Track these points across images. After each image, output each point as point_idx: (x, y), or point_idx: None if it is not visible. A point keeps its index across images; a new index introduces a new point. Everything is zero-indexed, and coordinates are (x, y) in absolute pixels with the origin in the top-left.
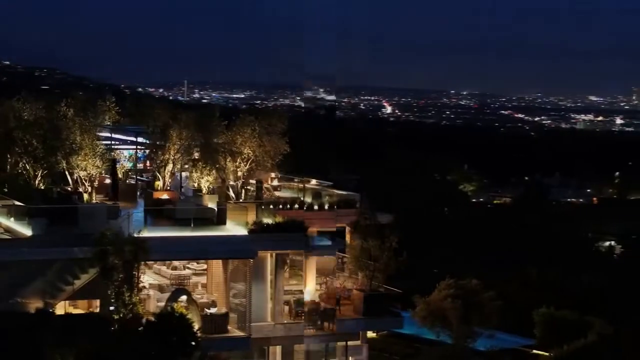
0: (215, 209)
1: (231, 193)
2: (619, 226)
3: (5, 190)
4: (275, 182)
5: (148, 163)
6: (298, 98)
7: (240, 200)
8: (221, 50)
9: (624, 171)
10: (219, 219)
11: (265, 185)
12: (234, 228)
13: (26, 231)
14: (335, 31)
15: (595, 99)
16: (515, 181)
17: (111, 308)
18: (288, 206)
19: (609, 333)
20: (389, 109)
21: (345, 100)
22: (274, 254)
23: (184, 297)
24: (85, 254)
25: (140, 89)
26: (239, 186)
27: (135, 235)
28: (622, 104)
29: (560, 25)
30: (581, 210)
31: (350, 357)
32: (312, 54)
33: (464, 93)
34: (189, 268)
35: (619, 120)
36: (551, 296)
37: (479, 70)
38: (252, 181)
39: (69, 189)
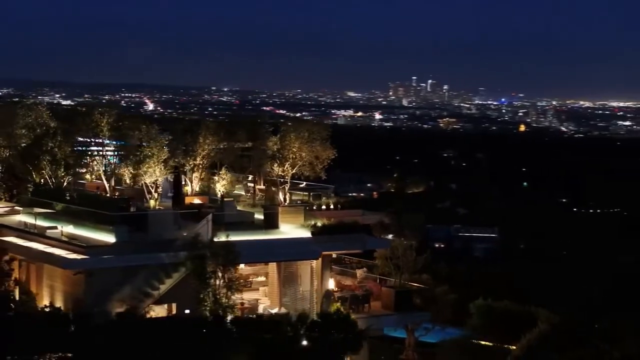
0: (254, 212)
1: (280, 197)
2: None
3: (68, 197)
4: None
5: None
6: (57, 95)
7: (286, 204)
8: None
9: (393, 165)
10: (270, 223)
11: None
12: (292, 231)
13: (106, 238)
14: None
15: (354, 94)
16: None
17: (187, 311)
18: None
19: (557, 322)
20: (151, 106)
21: (106, 97)
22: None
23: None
24: (171, 259)
25: None
26: (285, 190)
27: (224, 239)
28: (379, 100)
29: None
30: (364, 204)
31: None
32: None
33: (225, 89)
34: None
35: (378, 115)
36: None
37: (238, 68)
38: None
39: (108, 195)
